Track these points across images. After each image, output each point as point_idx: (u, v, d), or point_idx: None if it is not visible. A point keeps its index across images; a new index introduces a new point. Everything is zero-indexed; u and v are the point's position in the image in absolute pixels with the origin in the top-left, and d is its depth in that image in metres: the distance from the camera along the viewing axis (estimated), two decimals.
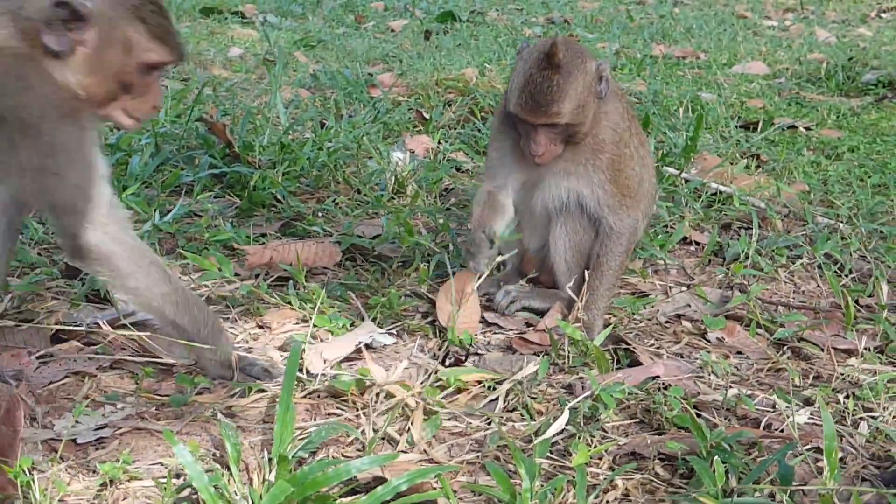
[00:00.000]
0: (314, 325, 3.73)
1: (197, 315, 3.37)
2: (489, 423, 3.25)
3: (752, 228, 4.84)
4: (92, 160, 3.15)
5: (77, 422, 3.09)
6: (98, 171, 3.17)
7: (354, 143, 5.97)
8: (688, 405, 3.27)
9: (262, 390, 3.34)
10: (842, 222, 5.14)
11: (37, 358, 3.49)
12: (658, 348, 3.88)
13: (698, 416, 3.28)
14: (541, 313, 4.06)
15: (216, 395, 3.33)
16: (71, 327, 3.61)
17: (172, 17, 3.23)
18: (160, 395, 3.33)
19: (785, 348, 3.89)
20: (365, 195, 5.33)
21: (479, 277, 3.93)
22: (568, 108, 3.77)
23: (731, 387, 3.48)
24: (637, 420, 3.29)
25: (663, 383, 3.46)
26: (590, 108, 3.87)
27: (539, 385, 3.44)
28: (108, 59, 3.07)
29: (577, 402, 3.22)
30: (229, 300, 4.03)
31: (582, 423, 3.16)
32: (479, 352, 3.77)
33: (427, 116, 6.92)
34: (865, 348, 3.86)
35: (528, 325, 4.01)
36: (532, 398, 3.36)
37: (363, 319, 3.90)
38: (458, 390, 3.43)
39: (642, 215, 4.19)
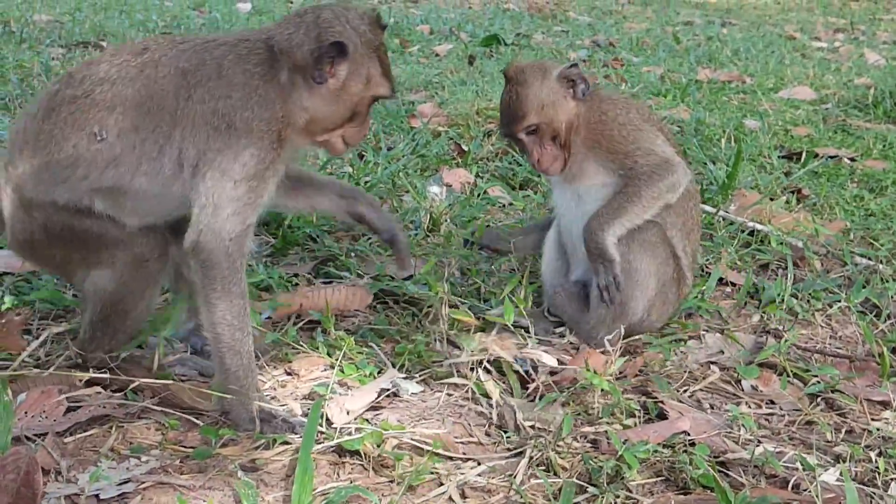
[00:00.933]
0: (341, 372, 3.72)
1: (245, 362, 3.44)
2: (513, 478, 3.22)
3: (788, 267, 4.79)
4: (265, 182, 3.43)
5: (100, 476, 3.09)
6: (261, 195, 3.42)
7: (391, 178, 5.97)
8: (714, 464, 3.23)
9: (287, 442, 3.33)
10: (881, 263, 5.05)
11: (67, 400, 3.49)
12: (690, 396, 3.83)
13: (725, 474, 3.24)
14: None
15: (240, 448, 3.32)
16: (100, 375, 3.61)
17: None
18: (185, 447, 3.33)
19: (819, 399, 3.82)
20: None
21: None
22: (531, 108, 4.14)
23: (760, 442, 3.43)
24: (663, 478, 3.24)
25: (690, 440, 3.40)
26: (561, 107, 4.18)
27: (563, 438, 3.39)
28: (351, 91, 3.47)
29: (601, 462, 3.17)
30: (257, 346, 4.02)
31: (605, 483, 3.12)
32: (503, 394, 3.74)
33: (465, 148, 6.90)
34: None
35: (560, 363, 3.98)
36: (556, 452, 3.32)
37: (393, 366, 3.88)
38: (475, 443, 3.41)
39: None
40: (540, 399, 3.70)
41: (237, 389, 3.42)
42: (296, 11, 3.56)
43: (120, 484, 3.09)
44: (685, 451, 3.29)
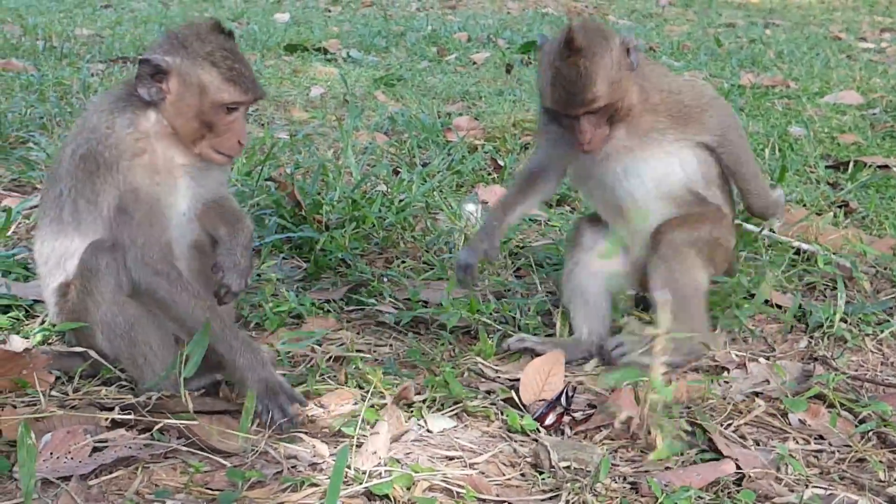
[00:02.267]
0: (370, 409, 3.61)
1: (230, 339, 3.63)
2: None
3: (838, 290, 4.61)
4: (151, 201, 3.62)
5: None
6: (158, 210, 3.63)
7: (424, 197, 5.86)
8: None
9: (315, 485, 3.22)
10: None
11: (93, 440, 3.41)
12: (734, 430, 3.68)
13: None
14: None
15: (268, 490, 3.21)
16: (124, 416, 3.53)
17: (246, 60, 3.68)
18: (211, 490, 3.23)
19: (870, 434, 3.65)
20: (433, 256, 5.21)
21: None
22: (602, 89, 3.76)
23: (808, 484, 3.27)
24: None
25: (735, 482, 3.26)
26: (625, 82, 3.85)
27: (600, 481, 3.25)
28: (188, 103, 3.60)
29: None
30: (288, 377, 3.93)
31: None
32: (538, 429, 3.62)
33: (501, 163, 6.77)
34: None
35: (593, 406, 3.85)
36: (594, 495, 3.18)
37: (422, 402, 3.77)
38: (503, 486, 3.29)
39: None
40: (578, 436, 3.58)
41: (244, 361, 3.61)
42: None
43: None
44: (729, 496, 3.14)
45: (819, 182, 6.71)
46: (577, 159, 4.12)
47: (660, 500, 3.06)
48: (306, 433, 3.54)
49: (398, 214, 5.50)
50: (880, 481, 3.34)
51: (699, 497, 3.14)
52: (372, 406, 3.62)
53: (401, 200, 5.77)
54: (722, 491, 3.19)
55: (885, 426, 3.66)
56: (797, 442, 3.60)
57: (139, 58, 3.62)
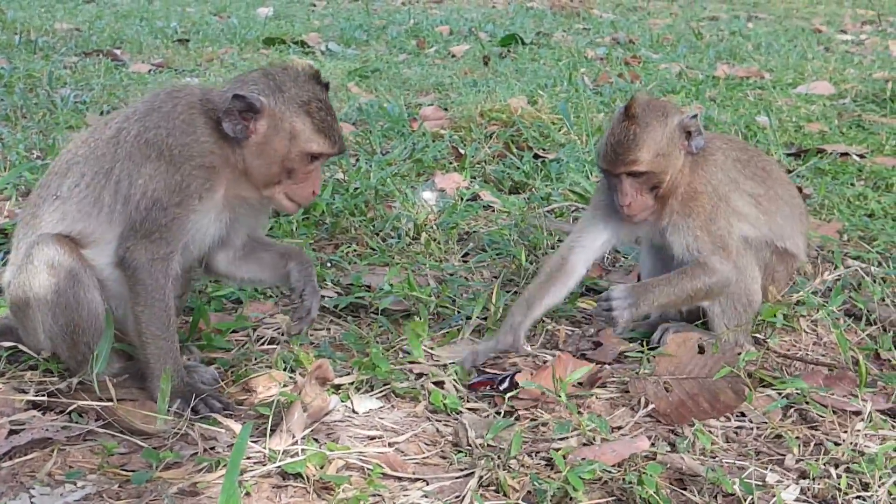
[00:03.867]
0: (287, 391, 3.61)
1: (167, 357, 3.61)
2: (460, 500, 3.11)
3: None
4: (193, 214, 3.60)
5: (32, 503, 3.02)
6: (186, 224, 3.59)
7: (380, 184, 5.87)
8: (668, 482, 3.11)
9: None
10: (874, 265, 4.88)
11: (11, 424, 3.42)
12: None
13: (681, 493, 3.11)
14: None
15: (183, 471, 3.22)
16: (39, 398, 3.55)
17: (335, 113, 3.68)
18: (127, 471, 3.23)
19: (792, 410, 3.67)
20: (382, 242, 5.23)
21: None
22: (646, 155, 3.94)
23: (716, 458, 3.29)
24: (615, 498, 3.11)
25: (649, 457, 3.27)
26: (674, 159, 4.01)
27: (514, 457, 3.26)
28: (275, 147, 3.58)
29: (545, 484, 3.05)
30: (219, 361, 3.95)
31: None
32: (461, 410, 3.64)
33: (463, 152, 6.78)
34: (880, 411, 3.62)
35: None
36: (507, 471, 3.20)
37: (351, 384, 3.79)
38: (420, 465, 3.30)
39: (745, 274, 4.13)
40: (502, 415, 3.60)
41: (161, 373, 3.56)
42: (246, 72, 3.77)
43: None
44: (636, 470, 3.15)
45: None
46: (624, 228, 4.24)
47: (563, 474, 3.07)
48: (230, 415, 3.56)
49: (350, 201, 5.51)
50: (797, 456, 3.35)
51: (606, 470, 3.15)
52: (294, 388, 3.63)
53: (356, 188, 5.78)
54: (631, 465, 3.21)
55: (806, 403, 3.67)
56: (719, 419, 3.61)
57: (233, 93, 3.54)
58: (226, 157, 3.63)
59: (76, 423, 3.45)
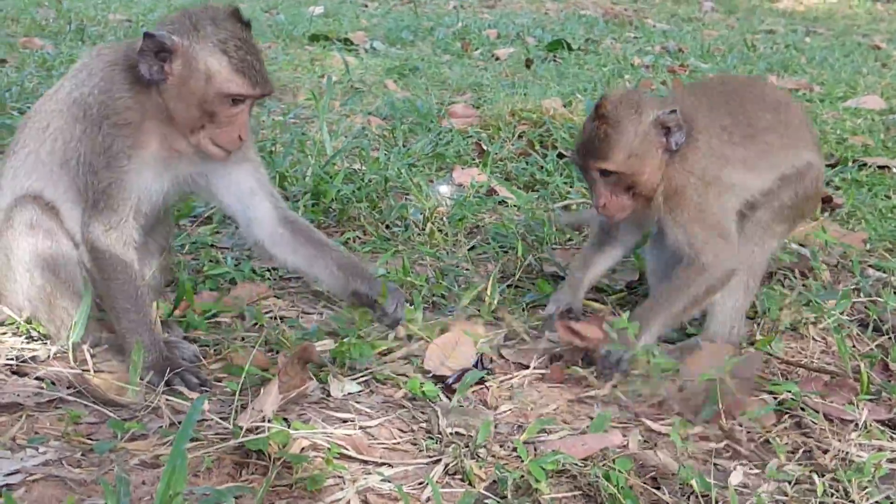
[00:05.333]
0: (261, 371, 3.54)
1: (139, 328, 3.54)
2: (423, 486, 3.00)
3: (796, 279, 4.50)
4: (125, 175, 3.49)
5: None
6: (125, 187, 3.49)
7: (396, 175, 5.78)
8: (642, 480, 2.98)
9: (197, 439, 3.15)
10: (894, 276, 4.71)
11: None
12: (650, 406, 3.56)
13: (655, 490, 2.98)
14: None
15: (148, 443, 3.17)
16: (20, 364, 3.50)
17: (259, 53, 3.52)
18: (92, 440, 3.18)
19: (786, 417, 3.52)
20: (387, 230, 5.15)
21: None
22: (617, 156, 3.80)
23: (697, 458, 3.16)
24: (581, 493, 2.99)
25: (617, 452, 3.15)
26: (650, 158, 3.84)
27: (483, 446, 3.15)
28: (191, 88, 3.43)
29: (508, 474, 2.93)
30: (204, 340, 3.89)
31: (509, 497, 2.87)
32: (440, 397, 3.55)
33: (486, 149, 6.68)
34: (879, 421, 3.46)
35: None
36: (475, 459, 3.09)
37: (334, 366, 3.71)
38: (390, 450, 3.20)
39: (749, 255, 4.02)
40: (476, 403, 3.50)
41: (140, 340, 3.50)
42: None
43: (8, 475, 2.94)
44: (605, 465, 3.02)
45: None
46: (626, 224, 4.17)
47: (525, 463, 2.95)
48: (206, 391, 3.49)
49: (360, 190, 5.43)
50: (780, 461, 3.20)
51: (572, 462, 3.03)
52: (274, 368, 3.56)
53: (371, 179, 5.70)
54: (598, 461, 3.08)
55: (801, 410, 3.52)
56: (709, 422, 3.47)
57: (144, 32, 3.42)
58: (147, 109, 3.50)
59: (48, 390, 3.39)
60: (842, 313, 4.21)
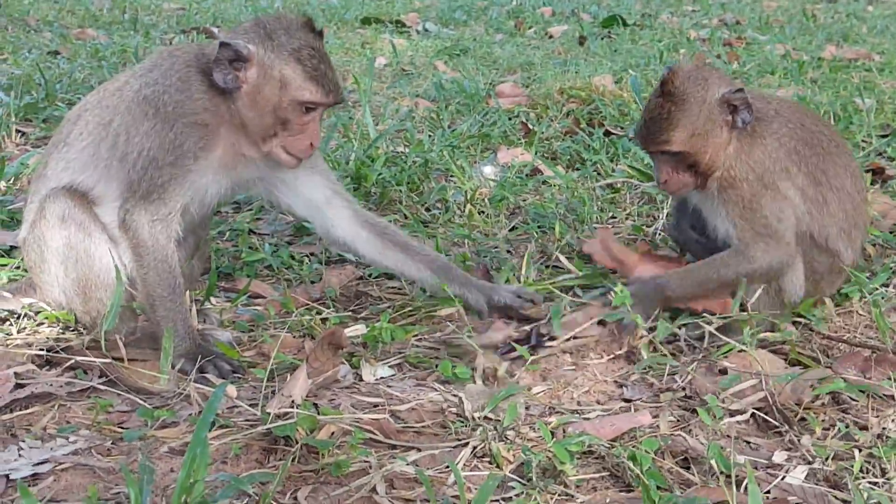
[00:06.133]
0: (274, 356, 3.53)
1: (176, 317, 3.59)
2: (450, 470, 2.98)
3: None
4: (189, 174, 3.56)
5: (20, 455, 3.00)
6: (184, 184, 3.56)
7: (439, 157, 5.77)
8: (673, 460, 2.94)
9: (226, 426, 3.17)
10: None
11: (16, 376, 3.41)
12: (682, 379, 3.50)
13: (684, 471, 2.94)
14: None
15: (177, 431, 3.18)
16: (39, 353, 3.55)
17: (331, 62, 3.60)
18: (123, 428, 3.20)
19: (825, 394, 3.43)
20: (426, 213, 5.14)
21: None
22: (679, 136, 3.73)
23: (730, 436, 3.11)
24: (610, 474, 2.95)
25: (647, 432, 3.11)
26: (714, 137, 3.77)
27: (511, 428, 3.13)
28: (266, 96, 3.50)
29: (533, 456, 2.90)
30: (236, 325, 3.91)
31: (534, 479, 2.84)
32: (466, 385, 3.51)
33: (532, 128, 6.63)
34: None
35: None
36: (504, 441, 3.06)
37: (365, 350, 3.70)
38: (418, 433, 3.19)
39: (797, 260, 3.91)
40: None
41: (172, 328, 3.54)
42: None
43: (37, 464, 2.98)
44: (634, 445, 2.98)
45: (869, 152, 6.40)
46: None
47: (549, 446, 2.92)
48: (239, 378, 3.51)
49: (401, 174, 5.42)
50: (819, 438, 3.13)
51: (600, 444, 2.99)
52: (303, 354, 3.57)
53: (413, 162, 5.69)
54: (624, 442, 3.04)
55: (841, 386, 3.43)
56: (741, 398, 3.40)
57: (220, 41, 3.50)
58: (221, 113, 3.58)
59: (79, 380, 3.43)
60: (885, 287, 4.11)
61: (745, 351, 3.51)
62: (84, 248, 3.61)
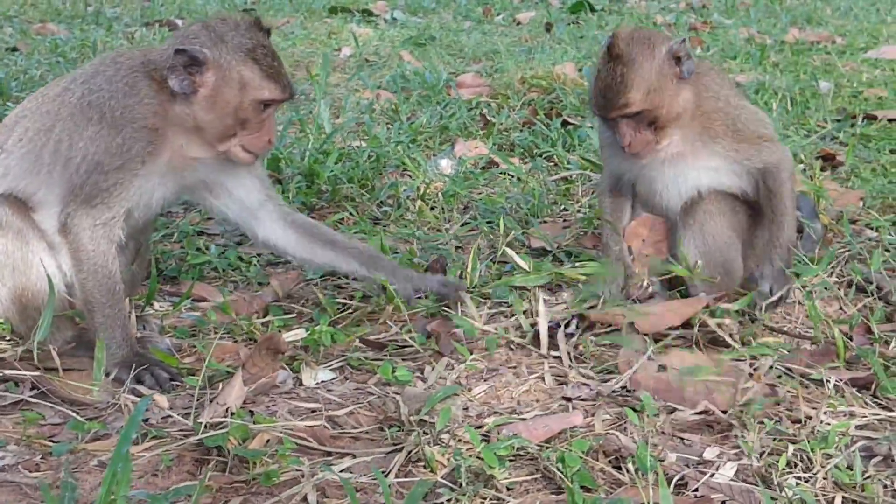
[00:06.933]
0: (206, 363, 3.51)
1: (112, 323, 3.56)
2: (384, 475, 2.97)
3: None
4: (135, 178, 3.55)
5: None
6: (129, 188, 3.54)
7: (391, 152, 5.75)
8: (606, 460, 2.95)
9: (158, 437, 3.15)
10: (891, 233, 4.60)
11: None
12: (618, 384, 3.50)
13: (615, 471, 2.94)
14: None
15: (109, 443, 3.14)
16: None
17: (281, 58, 3.64)
18: (55, 442, 3.17)
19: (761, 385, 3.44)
20: (377, 209, 5.12)
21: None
22: (636, 96, 3.78)
23: (664, 434, 3.11)
24: (542, 476, 2.94)
25: (582, 432, 3.11)
26: (668, 90, 3.83)
27: (447, 432, 3.12)
28: (225, 98, 3.51)
29: (462, 461, 2.89)
30: (178, 330, 3.89)
31: (464, 484, 2.84)
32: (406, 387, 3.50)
33: (491, 119, 6.61)
34: (857, 387, 3.39)
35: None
36: (438, 445, 3.06)
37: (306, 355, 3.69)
38: (355, 439, 3.18)
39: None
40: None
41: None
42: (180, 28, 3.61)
43: None
44: (565, 447, 2.98)
45: (824, 135, 6.41)
46: (634, 165, 4.08)
47: (478, 451, 2.92)
48: (177, 385, 3.49)
49: (355, 169, 5.40)
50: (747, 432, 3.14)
51: (529, 446, 2.99)
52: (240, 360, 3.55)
53: (370, 156, 5.67)
54: (554, 444, 3.04)
55: (778, 378, 3.44)
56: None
57: (174, 48, 3.51)
58: (170, 118, 3.56)
59: (11, 392, 3.41)
60: (829, 275, 4.13)
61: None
62: (21, 257, 3.58)
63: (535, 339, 3.74)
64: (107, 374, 3.44)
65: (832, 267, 4.27)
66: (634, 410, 3.23)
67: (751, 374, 3.43)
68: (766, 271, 3.96)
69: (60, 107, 3.62)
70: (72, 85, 3.66)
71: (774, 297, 3.89)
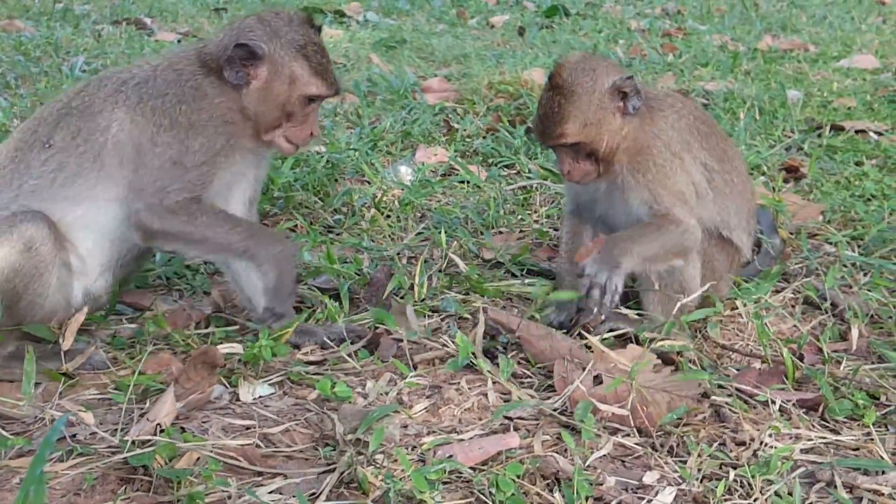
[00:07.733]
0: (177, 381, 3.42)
1: None
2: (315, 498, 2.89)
3: None
4: (218, 170, 3.67)
5: None
6: (212, 180, 3.66)
7: (348, 158, 5.66)
8: (544, 484, 2.87)
9: (84, 454, 3.05)
10: (850, 249, 4.54)
11: None
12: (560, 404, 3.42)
13: (550, 494, 2.86)
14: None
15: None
16: None
17: (329, 55, 3.76)
18: None
19: (706, 405, 3.37)
20: (334, 218, 5.03)
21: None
22: (572, 128, 3.75)
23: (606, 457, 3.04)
24: (476, 499, 2.86)
25: (519, 454, 3.03)
26: (607, 124, 3.78)
27: (381, 452, 3.03)
28: (275, 91, 3.66)
29: (392, 484, 2.81)
30: (115, 341, 3.79)
31: None
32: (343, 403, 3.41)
33: (455, 125, 6.53)
34: (805, 408, 3.32)
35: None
36: (372, 466, 2.97)
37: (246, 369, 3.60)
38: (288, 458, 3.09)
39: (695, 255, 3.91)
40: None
41: None
42: (230, 21, 3.88)
43: None
44: (497, 470, 2.90)
45: (790, 146, 6.36)
46: (585, 189, 4.03)
47: (408, 474, 2.83)
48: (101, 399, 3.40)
49: (310, 175, 5.31)
50: (699, 455, 3.06)
51: (459, 470, 2.91)
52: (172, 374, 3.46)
53: (328, 162, 5.58)
54: (497, 463, 2.96)
55: (728, 397, 3.37)
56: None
57: (234, 42, 3.61)
58: (234, 108, 3.68)
59: None
60: (784, 292, 4.07)
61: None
62: (23, 287, 3.51)
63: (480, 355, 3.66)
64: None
65: (787, 283, 4.20)
66: (575, 431, 3.15)
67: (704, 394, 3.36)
68: (593, 257, 3.76)
69: (115, 108, 3.65)
70: (123, 87, 3.69)
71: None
